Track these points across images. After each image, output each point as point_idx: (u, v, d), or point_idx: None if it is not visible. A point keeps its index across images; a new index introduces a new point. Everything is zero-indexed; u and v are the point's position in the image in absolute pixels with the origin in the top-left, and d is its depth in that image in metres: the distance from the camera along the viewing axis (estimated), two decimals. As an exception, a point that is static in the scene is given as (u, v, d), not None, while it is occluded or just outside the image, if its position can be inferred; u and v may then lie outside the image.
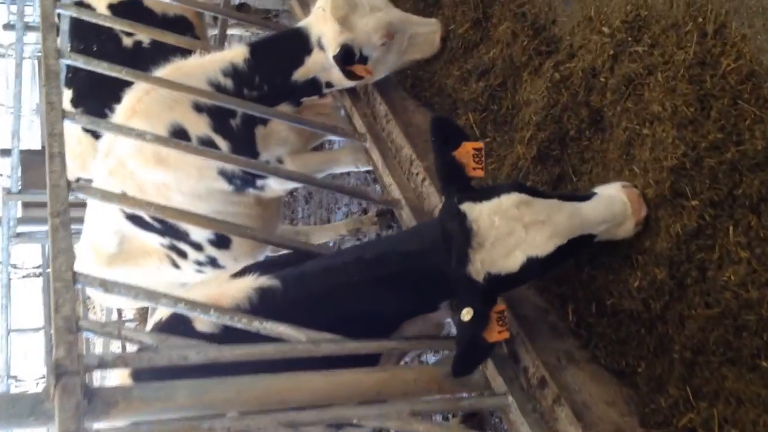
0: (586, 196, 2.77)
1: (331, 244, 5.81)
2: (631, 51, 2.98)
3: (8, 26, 13.20)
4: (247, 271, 3.11)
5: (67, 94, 6.07)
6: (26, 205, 8.69)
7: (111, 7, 5.91)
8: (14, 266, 11.27)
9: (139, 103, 4.17)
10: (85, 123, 3.58)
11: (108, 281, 2.76)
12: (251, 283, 2.97)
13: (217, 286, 3.08)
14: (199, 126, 4.19)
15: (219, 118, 4.19)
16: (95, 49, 5.96)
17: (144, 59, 5.93)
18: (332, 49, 3.93)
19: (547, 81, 3.29)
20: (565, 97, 3.21)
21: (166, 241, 4.48)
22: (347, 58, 3.84)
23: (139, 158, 4.18)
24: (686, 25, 2.82)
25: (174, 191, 4.28)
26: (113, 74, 3.88)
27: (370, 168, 4.52)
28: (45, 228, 8.94)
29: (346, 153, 4.64)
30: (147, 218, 4.39)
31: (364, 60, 3.98)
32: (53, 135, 3.31)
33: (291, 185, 4.70)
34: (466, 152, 2.69)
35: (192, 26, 6.07)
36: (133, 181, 4.27)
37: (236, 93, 4.15)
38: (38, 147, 16.61)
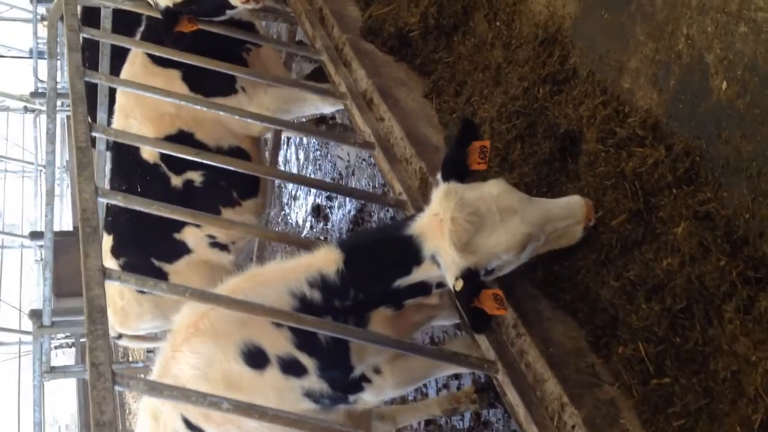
0: None
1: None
2: None
3: (36, 94, 13.06)
4: None
5: (107, 241, 5.29)
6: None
7: (159, 145, 5.14)
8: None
9: (204, 319, 3.34)
10: (142, 390, 2.70)
11: None
12: None
13: None
14: (278, 344, 3.39)
15: (304, 332, 3.35)
16: (140, 189, 5.19)
17: (196, 198, 5.19)
18: (450, 277, 3.09)
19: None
20: (819, 376, 2.29)
21: (235, 465, 3.63)
22: (472, 292, 2.96)
23: (203, 385, 3.35)
24: None
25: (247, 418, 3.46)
26: (176, 297, 3.03)
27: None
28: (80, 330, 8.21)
29: (459, 348, 3.78)
30: (212, 436, 3.58)
31: (489, 273, 3.13)
32: (101, 426, 2.44)
33: (390, 396, 3.82)
34: None
35: (249, 158, 5.31)
36: (195, 409, 3.46)
37: (324, 306, 3.33)
38: (69, 211, 16.07)
